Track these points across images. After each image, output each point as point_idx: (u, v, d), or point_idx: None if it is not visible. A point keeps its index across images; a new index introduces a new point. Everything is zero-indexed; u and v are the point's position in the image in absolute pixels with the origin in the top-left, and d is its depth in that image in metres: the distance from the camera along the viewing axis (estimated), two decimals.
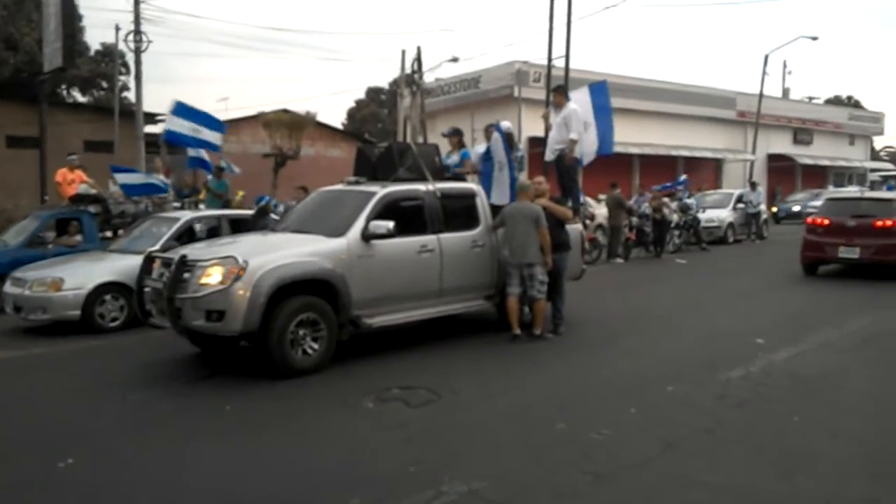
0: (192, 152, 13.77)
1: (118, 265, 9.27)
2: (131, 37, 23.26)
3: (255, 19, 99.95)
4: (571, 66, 22.00)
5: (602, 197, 18.14)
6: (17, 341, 8.86)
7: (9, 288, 9.36)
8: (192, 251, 7.02)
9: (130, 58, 25.52)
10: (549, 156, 9.92)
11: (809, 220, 13.58)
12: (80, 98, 36.48)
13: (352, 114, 60.08)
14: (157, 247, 8.78)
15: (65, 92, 35.38)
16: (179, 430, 5.42)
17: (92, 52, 36.42)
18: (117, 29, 26.85)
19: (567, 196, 9.45)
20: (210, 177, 14.22)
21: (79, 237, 11.23)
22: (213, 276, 6.48)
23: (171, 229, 9.79)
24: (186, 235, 9.72)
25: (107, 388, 6.57)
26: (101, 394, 6.43)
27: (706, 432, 5.08)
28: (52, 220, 11.52)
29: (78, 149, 26.85)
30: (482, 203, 8.42)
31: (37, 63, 26.66)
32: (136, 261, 7.90)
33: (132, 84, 25.26)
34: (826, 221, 12.72)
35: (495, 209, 8.42)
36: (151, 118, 28.96)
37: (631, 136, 35.40)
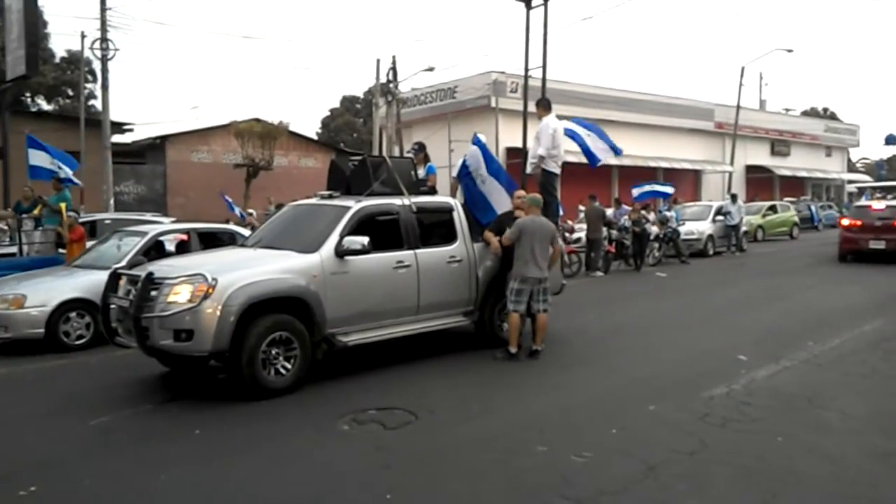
0: (32, 160, 13.10)
1: (83, 281, 8.98)
2: (97, 44, 22.87)
3: (225, 27, 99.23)
4: (549, 76, 22.02)
5: (581, 209, 18.17)
6: None
7: None
8: (160, 268, 6.79)
9: (97, 65, 25.12)
10: (529, 168, 9.85)
11: (845, 222, 18.31)
12: (46, 106, 35.89)
13: (326, 123, 59.92)
14: (123, 263, 8.53)
15: (29, 100, 34.77)
16: (147, 456, 5.19)
17: (57, 60, 35.92)
18: (83, 36, 26.39)
19: (545, 210, 9.35)
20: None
21: None
22: (181, 294, 6.27)
23: (137, 244, 9.49)
24: (154, 250, 9.45)
25: (71, 411, 6.31)
26: (65, 417, 6.18)
27: (689, 454, 4.98)
28: None
29: None
30: (459, 217, 8.30)
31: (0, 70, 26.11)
32: (102, 277, 7.64)
33: (99, 92, 24.79)
34: (859, 222, 17.41)
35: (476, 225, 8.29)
36: (119, 127, 28.49)
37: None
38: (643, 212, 18.19)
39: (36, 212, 12.37)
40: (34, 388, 7.39)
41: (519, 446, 5.16)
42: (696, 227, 20.93)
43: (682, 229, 19.62)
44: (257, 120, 31.69)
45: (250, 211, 17.48)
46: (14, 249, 11.81)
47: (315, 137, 44.11)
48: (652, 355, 8.10)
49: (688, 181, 41.06)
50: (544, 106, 10.02)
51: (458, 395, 6.58)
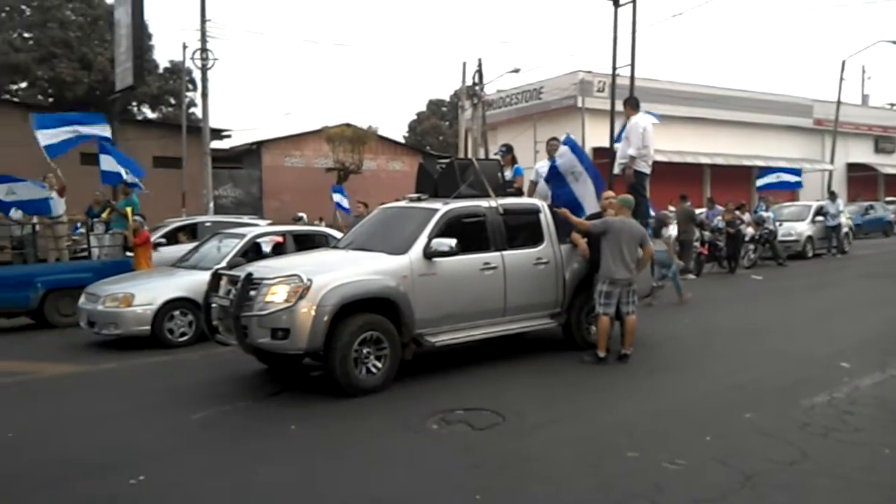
0: (103, 165, 12.95)
1: (187, 281, 9.45)
2: (198, 54, 23.95)
3: (317, 35, 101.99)
4: (638, 74, 21.58)
5: (671, 209, 17.67)
6: (90, 356, 9.11)
7: (83, 303, 9.66)
8: (258, 269, 7.06)
9: (197, 75, 26.29)
10: (617, 169, 9.71)
11: None
12: (150, 115, 37.82)
13: (413, 126, 60.63)
14: (223, 264, 8.92)
15: (135, 109, 36.75)
16: (245, 450, 5.42)
17: (160, 70, 37.77)
18: (185, 47, 27.71)
19: (635, 211, 9.19)
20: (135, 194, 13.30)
21: None
22: (277, 294, 6.51)
23: (236, 246, 9.92)
24: (252, 252, 9.84)
25: (175, 405, 6.66)
26: (169, 411, 6.52)
27: (789, 464, 4.79)
28: None
29: (146, 165, 27.87)
30: (546, 219, 8.25)
31: (109, 82, 27.80)
32: (203, 277, 8.04)
33: (199, 100, 25.96)
34: None
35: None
36: (218, 134, 29.77)
37: (701, 146, 34.63)
38: (737, 212, 17.54)
39: (104, 215, 12.85)
40: (141, 382, 7.82)
41: (608, 451, 5.09)
42: (795, 227, 20.00)
43: (779, 230, 18.80)
44: (348, 125, 32.46)
45: (300, 214, 17.72)
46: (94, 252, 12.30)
47: (402, 141, 44.74)
48: (747, 361, 7.82)
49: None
50: (633, 105, 9.85)
51: (545, 398, 6.56)
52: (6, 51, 33.21)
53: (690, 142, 33.45)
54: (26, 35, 34.43)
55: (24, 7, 34.69)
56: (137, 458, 5.23)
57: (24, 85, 34.66)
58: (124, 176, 12.64)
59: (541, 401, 6.44)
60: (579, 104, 32.34)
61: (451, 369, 7.52)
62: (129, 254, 11.86)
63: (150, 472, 4.90)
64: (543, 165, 9.50)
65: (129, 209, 12.16)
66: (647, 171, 9.60)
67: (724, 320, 10.56)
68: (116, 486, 4.70)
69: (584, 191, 8.75)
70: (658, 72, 43.05)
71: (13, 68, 33.38)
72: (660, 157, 10.93)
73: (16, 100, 32.24)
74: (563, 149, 8.83)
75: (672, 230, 13.71)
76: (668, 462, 4.82)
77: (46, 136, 12.38)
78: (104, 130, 13.01)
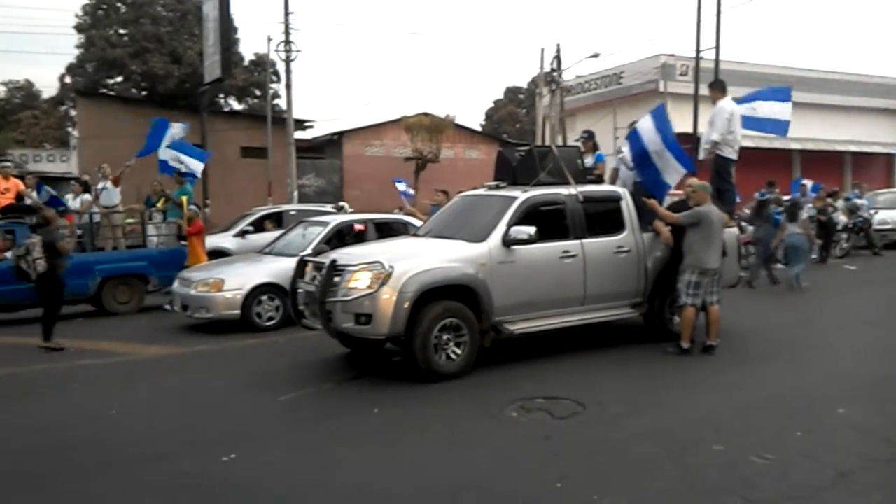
0: (161, 155, 13.24)
1: (274, 267, 9.76)
2: (282, 46, 24.56)
3: (395, 25, 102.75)
4: (723, 57, 20.86)
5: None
6: (183, 338, 9.56)
7: (177, 287, 10.13)
8: (342, 256, 7.24)
9: (281, 66, 26.98)
10: (701, 154, 9.43)
11: None
12: (236, 106, 39.04)
13: (490, 114, 60.47)
14: (308, 250, 9.18)
15: (222, 101, 37.99)
16: (330, 431, 5.60)
17: (246, 63, 38.88)
18: (269, 40, 28.50)
19: (720, 198, 8.92)
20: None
21: (9, 252, 10.63)
22: (360, 281, 6.66)
23: (321, 233, 10.19)
24: (335, 239, 10.09)
25: (263, 387, 6.91)
26: (258, 392, 6.78)
27: (886, 461, 4.60)
28: None
29: (234, 155, 28.99)
30: (628, 206, 8.12)
31: (198, 75, 28.84)
32: (289, 263, 8.30)
33: (283, 92, 26.65)
34: None
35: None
36: (301, 124, 30.47)
37: (791, 131, 33.16)
38: (829, 199, 16.74)
39: (160, 205, 13.12)
40: (231, 364, 8.16)
41: (693, 444, 5.00)
42: (891, 215, 18.95)
43: (874, 218, 17.84)
44: (426, 114, 32.67)
45: (342, 204, 17.78)
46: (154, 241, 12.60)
47: (479, 129, 44.71)
48: (840, 354, 7.52)
49: (880, 166, 37.25)
50: (719, 88, 9.52)
51: (626, 389, 6.48)
52: (104, 47, 34.91)
53: None
54: (121, 31, 36.05)
55: (119, 5, 36.34)
56: (229, 436, 5.48)
57: (119, 79, 36.34)
58: (178, 165, 12.99)
59: (622, 391, 6.38)
60: (661, 89, 31.49)
61: (531, 358, 7.53)
62: (182, 243, 12.04)
63: (240, 451, 5.11)
64: (627, 151, 9.27)
65: (183, 198, 12.38)
66: (734, 157, 9.27)
67: (816, 311, 10.16)
68: (209, 463, 4.93)
69: (666, 167, 8.50)
70: (744, 53, 41.43)
71: (110, 63, 35.08)
72: (747, 143, 10.52)
73: (112, 93, 33.93)
74: (646, 118, 8.62)
75: (807, 213, 13.37)
76: (755, 456, 4.69)
77: (164, 152, 13.08)
78: (198, 169, 13.50)
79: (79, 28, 36.15)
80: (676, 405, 5.98)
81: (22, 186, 12.47)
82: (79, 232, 12.22)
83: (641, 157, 8.66)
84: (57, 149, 30.18)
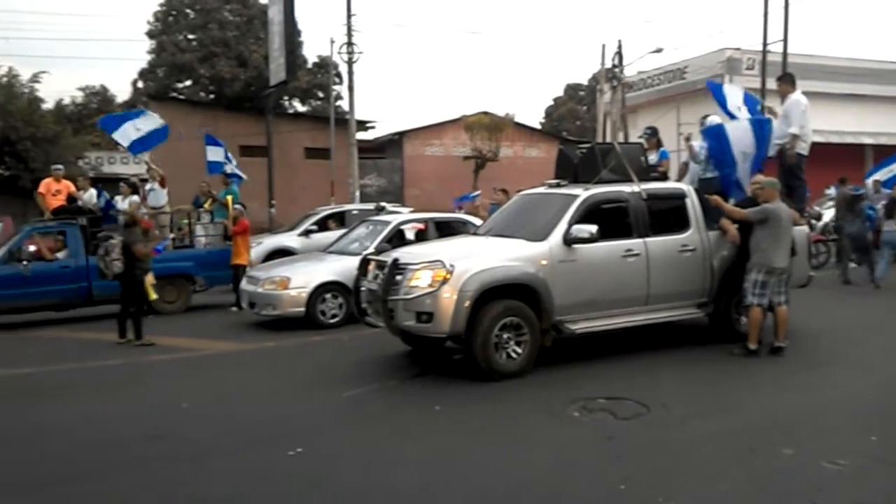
0: (210, 156, 13.35)
1: (337, 266, 9.95)
2: (344, 48, 24.90)
3: (454, 24, 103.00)
4: (790, 50, 20.16)
5: (829, 193, 16.41)
6: (250, 335, 9.84)
7: (245, 285, 10.42)
8: (404, 254, 7.33)
9: (344, 68, 27.35)
10: (772, 150, 9.15)
11: None
12: (300, 108, 39.74)
13: (549, 112, 59.97)
14: (370, 249, 9.32)
15: (287, 103, 38.74)
16: (394, 427, 5.68)
17: (309, 65, 39.53)
18: (332, 42, 28.95)
19: (791, 195, 8.66)
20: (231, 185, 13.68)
21: (61, 253, 11.13)
22: (422, 279, 6.73)
23: (382, 232, 10.34)
24: (396, 238, 10.21)
25: (328, 383, 7.06)
26: (323, 388, 6.92)
27: None
28: (36, 235, 11.34)
29: (298, 156, 29.59)
30: (693, 204, 7.96)
31: (263, 77, 29.51)
32: (352, 262, 8.46)
33: (345, 93, 27.04)
34: None
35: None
36: (363, 125, 30.86)
37: (863, 125, 31.84)
38: None
39: (207, 205, 13.28)
40: (297, 360, 8.35)
41: (761, 447, 4.88)
42: None
43: None
44: (485, 112, 32.66)
45: (383, 204, 17.68)
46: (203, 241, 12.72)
47: (539, 127, 44.39)
48: None
49: None
50: (789, 81, 9.25)
51: (691, 390, 6.38)
52: (174, 52, 36.04)
53: (850, 120, 30.84)
54: (190, 37, 37.12)
55: (188, 10, 37.45)
56: (295, 431, 5.62)
57: (188, 83, 37.46)
58: (225, 167, 13.18)
59: (687, 393, 6.27)
60: (726, 83, 30.70)
61: (592, 357, 7.47)
62: (228, 242, 12.05)
63: (306, 445, 5.24)
64: (703, 147, 9.06)
65: (229, 198, 12.47)
66: (806, 152, 9.00)
67: (890, 312, 9.75)
68: (277, 456, 5.05)
69: (746, 173, 8.32)
70: (813, 46, 40.00)
71: (179, 68, 36.19)
72: (817, 138, 10.18)
73: (182, 97, 35.01)
74: (743, 122, 8.50)
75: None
76: (827, 461, 4.56)
77: (212, 153, 13.36)
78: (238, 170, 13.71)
79: (150, 34, 37.42)
80: (743, 408, 5.84)
81: (73, 188, 12.82)
82: (169, 236, 12.67)
83: (722, 154, 8.46)
84: None
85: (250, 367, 8.19)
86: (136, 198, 13.09)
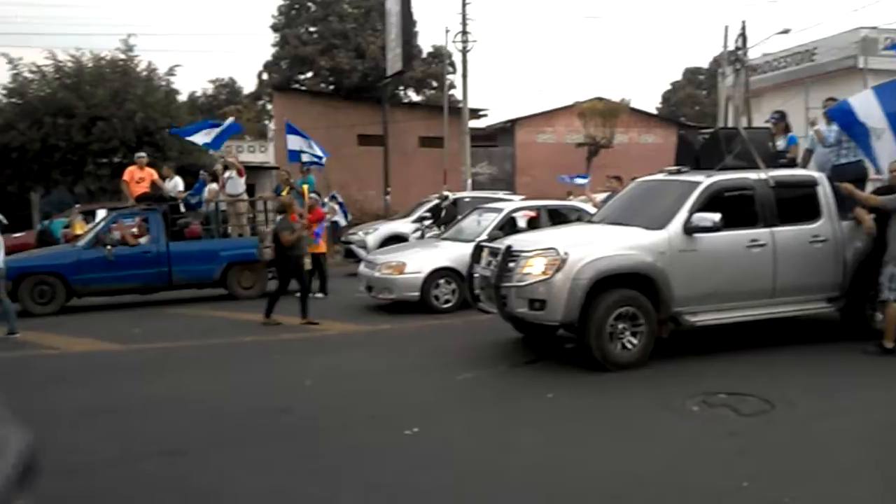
0: (290, 145, 13.38)
1: (450, 252, 10.13)
2: (459, 37, 25.05)
3: (569, 9, 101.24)
4: None
5: None
6: (368, 317, 10.18)
7: (363, 270, 10.78)
8: (517, 241, 7.35)
9: (457, 57, 27.55)
10: None
11: None
12: (415, 98, 40.36)
13: (666, 97, 58.02)
14: (483, 236, 9.40)
15: (402, 93, 39.44)
16: (506, 412, 5.73)
17: (424, 55, 40.05)
18: (447, 31, 29.19)
19: None
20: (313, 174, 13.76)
21: (143, 238, 11.42)
22: (535, 267, 6.71)
23: (495, 220, 10.41)
24: (509, 226, 10.24)
25: (441, 366, 7.20)
26: (437, 371, 7.07)
27: None
28: (119, 221, 11.87)
29: (412, 145, 30.08)
30: (825, 192, 7.52)
31: (380, 68, 30.16)
32: (465, 248, 8.58)
33: (459, 82, 27.23)
34: None
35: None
36: (475, 113, 30.98)
37: None
38: None
39: (284, 193, 13.13)
40: (412, 343, 8.57)
41: None
42: None
43: None
44: (599, 98, 32.02)
45: (446, 193, 17.01)
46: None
47: (655, 113, 43.03)
48: None
49: None
50: None
51: (819, 388, 6.06)
52: (296, 45, 37.47)
53: None
54: (311, 29, 38.46)
55: (309, 4, 38.80)
56: (411, 411, 5.78)
57: (310, 74, 38.85)
58: (302, 156, 13.40)
59: (814, 391, 5.97)
60: (860, 65, 28.50)
61: (713, 351, 7.22)
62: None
63: (422, 426, 5.37)
64: (832, 130, 8.53)
65: (305, 187, 12.47)
66: None
67: None
68: (393, 435, 5.22)
69: (883, 151, 7.76)
70: None
71: (301, 60, 37.58)
72: None
73: (303, 88, 36.34)
74: (867, 92, 7.90)
75: None
76: None
77: (293, 142, 13.76)
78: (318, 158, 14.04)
79: (274, 28, 39.07)
80: (877, 409, 5.49)
81: (156, 176, 13.33)
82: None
83: (855, 128, 7.93)
84: (256, 140, 32.82)
85: (368, 347, 8.47)
86: (214, 185, 13.54)
